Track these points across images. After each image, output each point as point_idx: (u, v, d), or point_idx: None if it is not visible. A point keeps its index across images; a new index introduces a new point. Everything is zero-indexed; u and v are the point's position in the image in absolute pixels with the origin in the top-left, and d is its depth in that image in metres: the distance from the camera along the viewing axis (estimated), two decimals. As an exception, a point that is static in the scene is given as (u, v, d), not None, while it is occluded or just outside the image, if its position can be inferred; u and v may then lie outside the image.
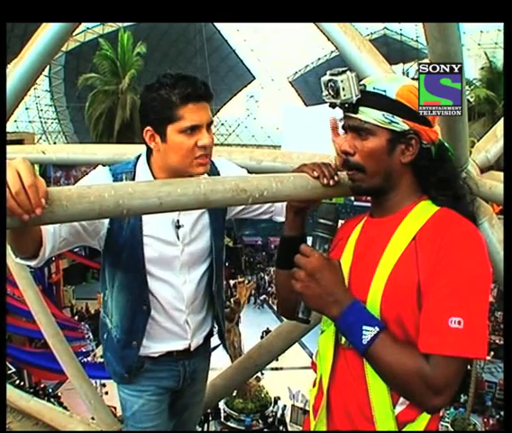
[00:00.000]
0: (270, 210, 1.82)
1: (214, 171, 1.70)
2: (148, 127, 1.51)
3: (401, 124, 1.17)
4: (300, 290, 1.17)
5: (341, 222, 1.33)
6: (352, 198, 15.93)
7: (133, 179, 1.61)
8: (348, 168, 1.27)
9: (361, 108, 1.20)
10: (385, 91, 1.17)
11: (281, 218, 1.76)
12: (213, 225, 1.75)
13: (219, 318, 1.92)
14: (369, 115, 1.19)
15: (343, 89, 1.20)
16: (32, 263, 1.36)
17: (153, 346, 1.78)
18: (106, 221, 1.58)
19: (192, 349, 1.85)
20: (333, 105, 1.24)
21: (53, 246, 1.38)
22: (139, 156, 1.66)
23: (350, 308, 1.13)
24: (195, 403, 2.07)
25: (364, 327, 1.10)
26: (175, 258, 1.70)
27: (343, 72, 1.21)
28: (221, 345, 2.12)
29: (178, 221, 1.67)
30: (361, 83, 1.21)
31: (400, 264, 1.14)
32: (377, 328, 1.09)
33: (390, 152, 1.19)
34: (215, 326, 1.96)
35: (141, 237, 1.62)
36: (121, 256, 1.64)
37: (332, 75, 1.23)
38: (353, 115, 1.22)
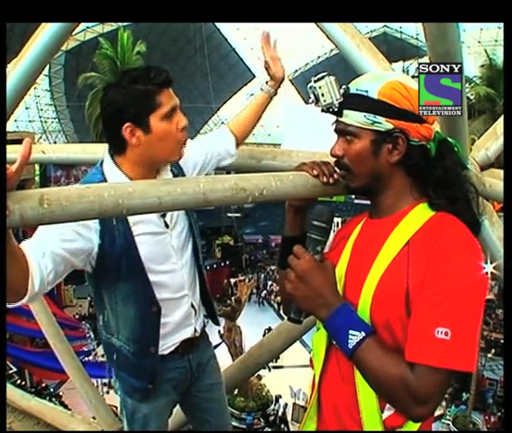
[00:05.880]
0: (218, 158, 1.94)
1: None
2: (127, 124, 1.50)
3: (384, 124, 1.15)
4: (290, 291, 1.17)
5: (337, 220, 1.33)
6: (353, 196, 15.94)
7: None
8: (339, 168, 1.28)
9: (345, 111, 1.20)
10: (367, 91, 1.17)
11: (227, 161, 1.98)
12: None
13: (207, 292, 1.93)
14: (351, 117, 1.19)
15: (323, 95, 1.21)
16: (24, 301, 1.27)
17: (162, 344, 1.76)
18: (96, 238, 1.51)
19: (198, 333, 1.86)
20: (322, 110, 1.24)
21: (42, 279, 1.30)
22: (101, 162, 1.63)
23: (337, 312, 1.12)
24: (211, 400, 2.03)
25: (350, 332, 1.09)
26: (167, 245, 1.70)
27: (322, 78, 1.22)
28: (221, 345, 2.11)
29: None
30: (347, 85, 1.21)
31: (391, 269, 1.13)
32: (363, 333, 1.09)
33: (376, 153, 1.18)
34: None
35: (133, 240, 1.60)
36: (120, 266, 1.59)
37: (312, 81, 1.24)
38: (339, 119, 1.22)
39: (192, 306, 1.81)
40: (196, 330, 1.86)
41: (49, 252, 1.35)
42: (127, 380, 1.79)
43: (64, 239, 1.40)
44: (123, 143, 1.55)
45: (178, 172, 1.77)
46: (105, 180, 1.58)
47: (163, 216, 1.68)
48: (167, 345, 1.78)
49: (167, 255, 1.71)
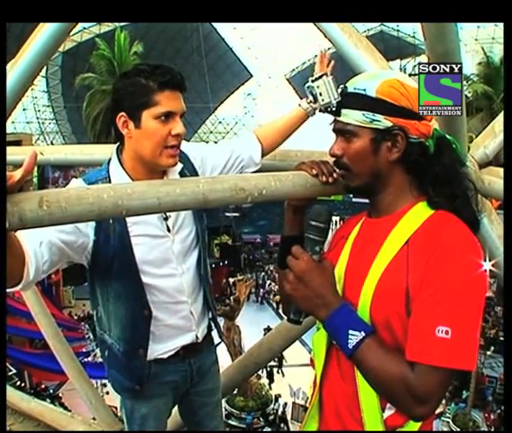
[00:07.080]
0: (241, 165, 1.85)
1: (182, 157, 1.67)
2: (122, 113, 1.51)
3: (383, 122, 1.15)
4: (289, 292, 1.16)
5: (335, 218, 1.33)
6: (351, 195, 15.92)
7: (109, 183, 1.58)
8: (338, 168, 1.28)
9: (343, 110, 1.20)
10: (365, 90, 1.17)
11: (251, 169, 1.85)
12: None
13: (209, 303, 1.90)
14: (350, 116, 1.19)
15: (321, 94, 1.22)
16: (18, 288, 1.29)
17: (160, 347, 1.76)
18: (91, 233, 1.53)
19: (200, 340, 1.84)
20: (320, 110, 1.24)
21: (37, 268, 1.32)
22: (109, 160, 1.64)
23: (337, 312, 1.12)
24: (207, 404, 2.03)
25: (350, 332, 1.09)
26: (168, 250, 1.68)
27: (319, 78, 1.22)
28: (221, 344, 2.11)
29: (164, 213, 1.64)
30: (344, 85, 1.21)
31: (391, 268, 1.13)
32: (363, 333, 1.08)
33: (375, 151, 1.18)
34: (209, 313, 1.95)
35: (130, 241, 1.59)
36: (112, 265, 1.59)
37: (309, 81, 1.24)
38: (338, 118, 1.22)
39: (191, 313, 1.79)
40: (197, 337, 1.84)
41: (46, 241, 1.36)
42: (117, 377, 1.80)
43: (62, 230, 1.41)
44: (120, 133, 1.56)
45: (192, 175, 1.72)
46: (108, 177, 1.59)
47: (166, 219, 1.66)
48: (165, 349, 1.77)
49: (165, 260, 1.68)
